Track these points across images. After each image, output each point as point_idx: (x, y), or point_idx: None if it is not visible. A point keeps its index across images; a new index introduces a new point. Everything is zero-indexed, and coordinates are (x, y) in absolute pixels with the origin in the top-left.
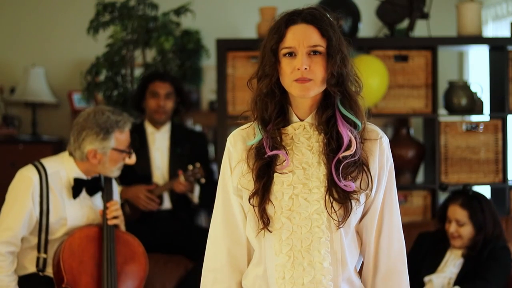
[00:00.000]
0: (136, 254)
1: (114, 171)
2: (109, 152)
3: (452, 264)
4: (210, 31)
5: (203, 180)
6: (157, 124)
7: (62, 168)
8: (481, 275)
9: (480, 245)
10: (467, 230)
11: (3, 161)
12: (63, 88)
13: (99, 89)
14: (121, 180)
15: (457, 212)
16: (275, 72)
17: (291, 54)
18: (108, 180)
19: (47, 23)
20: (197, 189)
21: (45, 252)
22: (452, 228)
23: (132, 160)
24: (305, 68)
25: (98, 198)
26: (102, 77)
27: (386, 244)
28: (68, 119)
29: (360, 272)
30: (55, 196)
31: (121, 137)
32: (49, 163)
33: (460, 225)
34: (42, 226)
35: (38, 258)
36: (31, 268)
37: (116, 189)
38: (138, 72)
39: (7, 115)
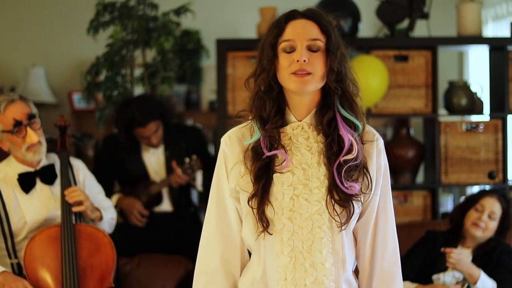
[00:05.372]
0: (101, 246)
1: (26, 154)
2: (4, 136)
3: None
4: (210, 31)
5: (201, 172)
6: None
7: (9, 169)
8: (498, 284)
9: (490, 247)
10: (494, 226)
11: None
12: (63, 88)
13: (99, 89)
14: (120, 184)
15: (495, 205)
16: (272, 67)
17: (290, 49)
18: (65, 167)
19: (47, 23)
20: (199, 177)
21: (15, 257)
22: (484, 217)
23: (31, 138)
24: (304, 60)
25: (59, 184)
26: (102, 77)
27: (382, 246)
28: (68, 119)
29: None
30: (9, 199)
31: (3, 119)
32: None
33: (492, 218)
34: (5, 231)
35: (12, 264)
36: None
37: (86, 176)
38: (138, 72)
39: None
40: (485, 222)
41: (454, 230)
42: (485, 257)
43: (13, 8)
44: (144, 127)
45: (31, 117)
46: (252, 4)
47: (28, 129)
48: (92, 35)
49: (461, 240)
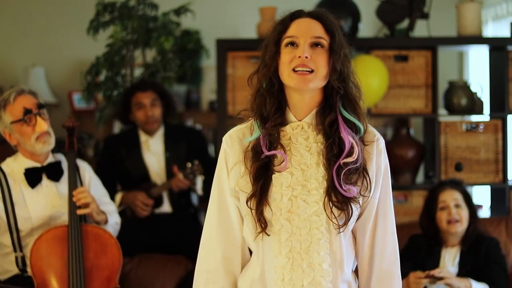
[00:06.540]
0: (108, 246)
1: (35, 145)
2: (14, 127)
3: (450, 263)
4: (210, 31)
5: (202, 177)
6: (150, 132)
7: (16, 164)
8: (491, 281)
9: (473, 239)
10: (465, 213)
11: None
12: (63, 88)
13: (99, 89)
14: (122, 187)
15: (454, 194)
16: (273, 62)
17: (293, 44)
18: (72, 167)
19: (47, 23)
20: (199, 181)
21: (21, 250)
22: (452, 210)
23: (41, 127)
24: (306, 57)
25: (65, 183)
26: (102, 77)
27: (380, 246)
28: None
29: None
30: (17, 194)
31: (13, 109)
32: (5, 163)
33: (459, 206)
34: (11, 225)
35: (16, 258)
36: (15, 270)
37: (92, 178)
38: (138, 72)
39: None
40: (457, 214)
41: (432, 237)
42: (473, 252)
43: (13, 8)
44: (144, 91)
45: (40, 106)
46: (252, 4)
47: (38, 117)
48: (92, 35)
49: (444, 244)
